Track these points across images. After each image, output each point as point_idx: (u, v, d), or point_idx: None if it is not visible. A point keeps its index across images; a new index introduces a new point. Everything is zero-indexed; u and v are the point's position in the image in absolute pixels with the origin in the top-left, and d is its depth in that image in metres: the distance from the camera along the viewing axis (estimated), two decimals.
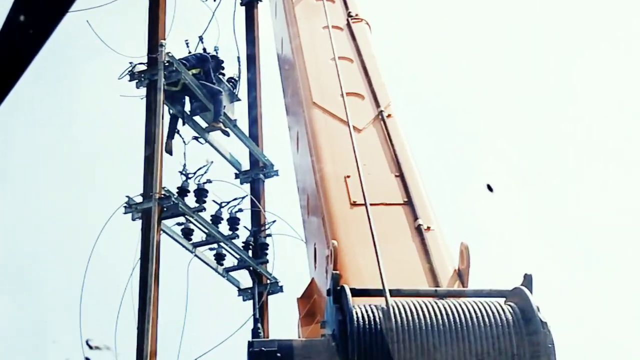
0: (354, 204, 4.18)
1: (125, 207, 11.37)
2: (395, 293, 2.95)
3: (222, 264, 15.10)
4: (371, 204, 3.82)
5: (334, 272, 3.11)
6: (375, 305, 2.86)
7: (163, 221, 12.76)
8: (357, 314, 2.80)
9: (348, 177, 4.35)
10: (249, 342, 3.02)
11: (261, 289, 15.61)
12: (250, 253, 15.34)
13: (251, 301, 15.37)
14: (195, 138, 12.64)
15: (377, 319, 2.77)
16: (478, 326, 2.75)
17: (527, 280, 2.96)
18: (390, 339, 2.69)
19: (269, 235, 15.74)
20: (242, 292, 15.58)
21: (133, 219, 11.71)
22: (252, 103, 14.64)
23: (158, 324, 12.66)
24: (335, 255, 3.42)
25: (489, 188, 4.82)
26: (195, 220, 12.85)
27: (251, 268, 15.39)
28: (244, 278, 15.84)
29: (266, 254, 15.72)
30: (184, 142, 12.46)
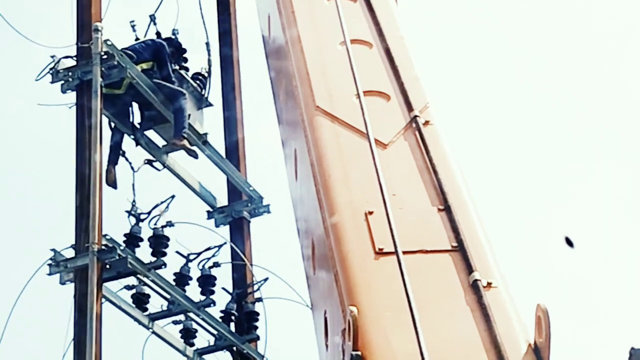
0: (379, 253, 4.16)
1: (50, 264, 11.31)
2: None
3: (192, 344, 15.02)
4: (405, 252, 3.80)
5: (354, 352, 3.11)
6: None
7: (105, 284, 12.75)
8: None
9: (370, 213, 4.32)
10: None
11: None
12: (232, 327, 15.28)
13: None
14: (149, 162, 12.57)
15: None
16: None
17: (635, 357, 2.95)
18: None
19: (259, 299, 15.69)
20: None
21: (62, 283, 11.69)
22: (229, 108, 14.66)
23: None
24: (356, 328, 3.41)
25: (569, 242, 4.75)
26: (152, 281, 12.86)
27: (234, 348, 15.32)
28: None
29: (255, 328, 15.66)
30: (132, 169, 12.41)
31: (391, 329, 3.64)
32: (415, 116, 4.93)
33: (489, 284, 3.95)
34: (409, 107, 5.06)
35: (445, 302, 3.87)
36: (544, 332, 3.52)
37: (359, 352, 3.14)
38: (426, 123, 4.91)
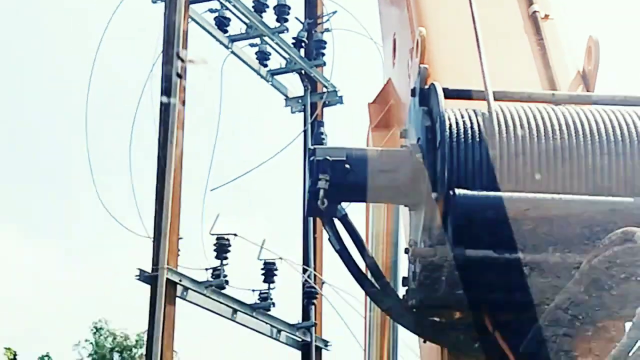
0: None
1: None
2: (500, 96, 2.95)
3: (265, 65, 15.27)
4: None
5: (422, 65, 3.12)
6: (474, 110, 2.89)
7: (191, 5, 12.88)
8: (450, 118, 2.83)
9: None
10: (309, 149, 3.12)
11: (315, 99, 15.87)
12: (302, 52, 15.43)
13: (301, 113, 15.67)
14: None
15: (476, 126, 2.80)
16: (607, 139, 2.77)
17: None
18: (493, 150, 2.74)
19: (327, 30, 15.76)
20: (290, 101, 15.85)
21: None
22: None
23: (184, 142, 13.09)
24: (423, 46, 3.41)
25: None
26: (233, 5, 12.92)
27: (302, 71, 15.55)
28: (293, 84, 16.02)
29: (322, 55, 15.80)
30: None
31: (455, 49, 3.63)
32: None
33: (547, 15, 3.89)
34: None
35: (505, 30, 3.83)
36: (593, 61, 3.51)
37: (426, 66, 3.13)
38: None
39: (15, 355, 37.58)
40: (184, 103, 12.76)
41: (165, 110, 12.79)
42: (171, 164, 12.65)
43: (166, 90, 12.59)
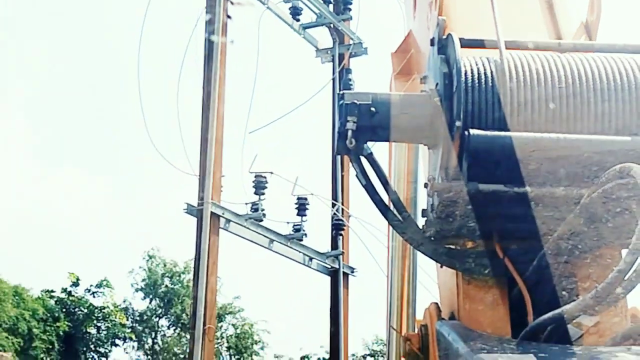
0: None
1: None
2: (510, 44, 2.93)
3: (298, 20, 15.23)
4: None
5: (440, 17, 3.10)
6: (487, 58, 2.87)
7: None
8: (465, 65, 2.82)
9: None
10: (339, 94, 3.11)
11: (342, 50, 15.83)
12: (331, 8, 15.35)
13: (330, 63, 15.65)
14: None
15: (489, 72, 2.79)
16: (607, 84, 2.74)
17: None
18: (504, 94, 2.72)
19: None
20: (320, 52, 15.82)
21: None
22: None
23: (226, 85, 13.08)
24: (441, 0, 3.39)
25: None
26: None
27: (332, 25, 15.50)
28: (323, 36, 15.96)
29: (349, 9, 15.71)
30: None
31: (471, 2, 3.57)
32: None
33: None
34: None
35: None
36: (595, 12, 3.46)
37: (443, 18, 3.10)
38: None
39: (77, 279, 38.13)
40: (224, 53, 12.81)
41: (209, 52, 12.89)
42: (214, 108, 12.73)
43: (212, 32, 12.68)
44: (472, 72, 2.82)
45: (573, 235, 2.71)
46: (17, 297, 35.38)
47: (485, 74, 2.82)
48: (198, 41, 12.98)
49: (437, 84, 2.96)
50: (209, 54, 12.70)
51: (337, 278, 15.21)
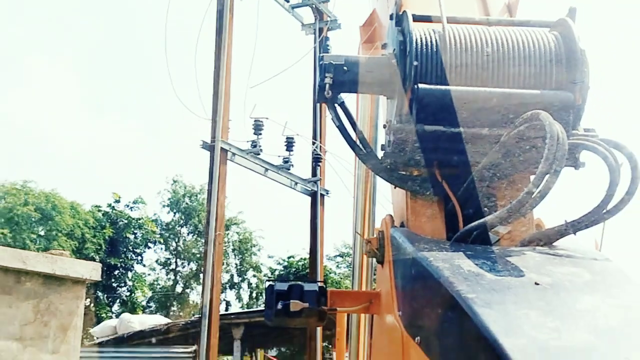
0: None
1: None
2: (451, 20, 2.87)
3: (288, 1, 15.02)
4: None
5: None
6: (433, 29, 2.82)
7: None
8: (416, 35, 2.77)
9: None
10: (320, 56, 3.07)
11: (322, 25, 15.61)
12: None
13: (312, 35, 15.47)
14: None
15: (434, 41, 2.75)
16: (522, 51, 2.71)
17: (571, 12, 2.86)
18: (444, 57, 2.68)
19: None
20: (305, 27, 15.63)
21: None
22: None
23: (233, 49, 12.88)
24: None
25: None
26: None
27: (314, 5, 15.29)
28: (307, 14, 15.80)
29: None
30: None
31: None
32: None
33: None
34: None
35: None
36: None
37: None
38: None
39: (119, 197, 38.25)
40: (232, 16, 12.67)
41: (220, 20, 12.72)
42: (224, 64, 12.64)
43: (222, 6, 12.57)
44: (421, 40, 2.77)
45: (494, 165, 2.71)
46: (73, 210, 35.52)
47: (430, 42, 2.78)
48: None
49: (394, 50, 2.91)
50: (220, 17, 12.62)
51: (316, 198, 15.29)
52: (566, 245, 2.50)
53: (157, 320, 22.17)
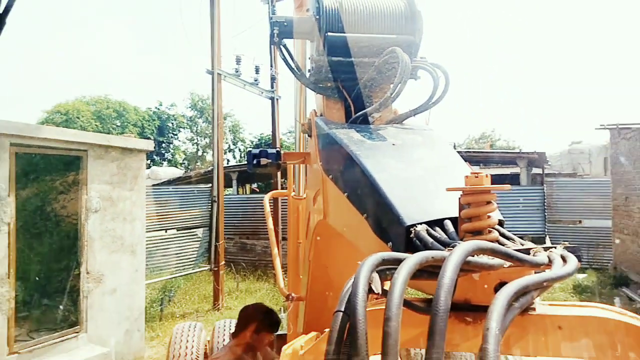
0: None
1: None
2: None
3: None
4: None
5: None
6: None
7: None
8: (325, 3, 2.91)
9: None
10: (270, 16, 3.13)
11: None
12: None
13: (267, 4, 14.71)
14: None
15: (336, 6, 2.92)
16: (386, 10, 2.89)
17: None
18: (343, 16, 2.85)
19: None
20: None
21: None
22: None
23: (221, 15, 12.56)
24: None
25: None
26: None
27: None
28: None
29: None
30: None
31: None
32: None
33: None
34: None
35: None
36: None
37: None
38: None
39: (161, 102, 43.61)
40: None
41: None
42: (217, 19, 12.66)
43: None
44: (328, 6, 2.91)
45: (371, 79, 2.91)
46: (135, 111, 42.09)
47: (334, 7, 2.92)
48: None
49: (314, 12, 3.02)
50: None
51: (274, 101, 15.91)
52: (410, 122, 2.78)
53: (174, 172, 25.89)
